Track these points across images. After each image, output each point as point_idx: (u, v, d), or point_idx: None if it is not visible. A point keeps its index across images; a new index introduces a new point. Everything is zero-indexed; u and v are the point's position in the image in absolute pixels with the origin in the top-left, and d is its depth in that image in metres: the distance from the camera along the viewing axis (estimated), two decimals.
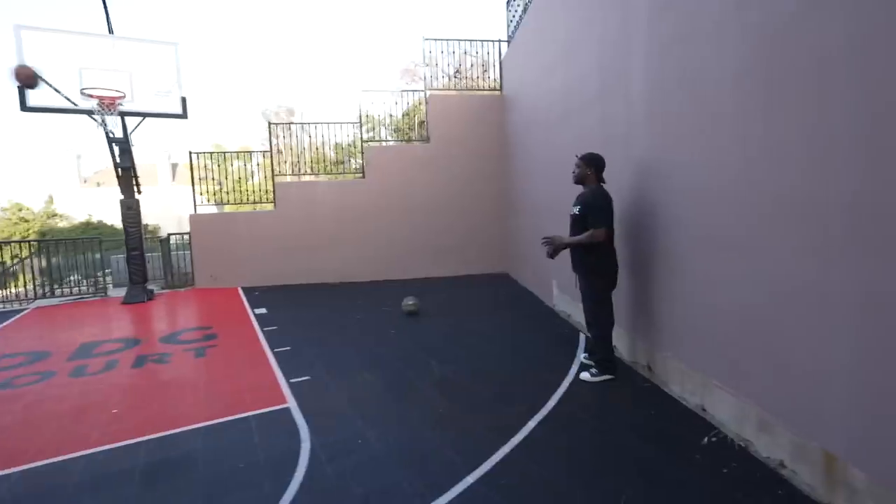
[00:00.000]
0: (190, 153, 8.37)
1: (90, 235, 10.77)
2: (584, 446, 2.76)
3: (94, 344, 5.22)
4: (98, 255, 8.40)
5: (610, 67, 4.10)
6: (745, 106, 2.52)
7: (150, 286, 8.04)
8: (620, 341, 4.10)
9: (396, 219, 8.75)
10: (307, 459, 2.71)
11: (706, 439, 2.69)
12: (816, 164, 2.09)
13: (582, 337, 4.73)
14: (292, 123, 8.58)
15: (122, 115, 6.78)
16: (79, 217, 29.25)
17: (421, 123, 9.10)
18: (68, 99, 6.38)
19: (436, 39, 8.80)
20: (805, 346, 2.20)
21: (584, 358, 3.98)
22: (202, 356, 4.72)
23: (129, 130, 7.15)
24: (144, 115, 6.97)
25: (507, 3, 8.87)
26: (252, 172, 10.50)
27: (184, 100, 7.00)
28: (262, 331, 5.56)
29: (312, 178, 9.28)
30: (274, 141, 8.52)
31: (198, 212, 8.51)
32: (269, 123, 8.43)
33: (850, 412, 1.99)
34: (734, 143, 2.60)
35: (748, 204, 2.52)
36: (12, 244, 9.62)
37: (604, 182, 3.64)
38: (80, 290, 8.26)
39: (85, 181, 33.58)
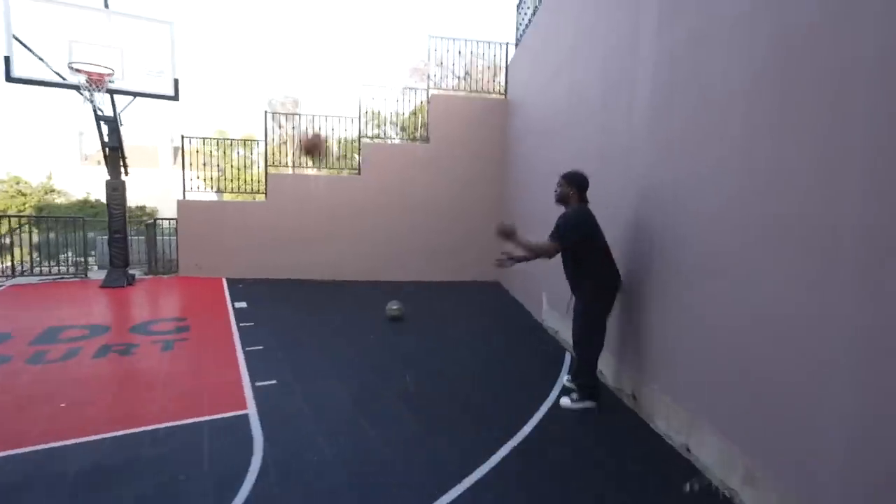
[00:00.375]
0: (182, 137, 8.17)
1: (74, 215, 10.53)
2: (554, 487, 2.54)
3: (61, 329, 5.01)
4: (82, 235, 8.17)
5: (613, 75, 3.90)
6: (753, 120, 2.31)
7: (131, 271, 7.83)
8: (606, 366, 3.89)
9: (391, 219, 8.54)
10: (255, 476, 2.49)
11: (688, 486, 2.48)
12: (825, 187, 1.88)
13: (568, 356, 4.52)
14: (290, 114, 8.36)
15: (111, 92, 6.57)
16: (77, 194, 29.01)
17: (424, 124, 8.89)
18: (57, 73, 6.18)
19: (442, 38, 8.60)
20: (799, 393, 1.99)
21: (567, 381, 3.78)
22: (170, 349, 4.51)
23: (118, 109, 6.94)
24: (134, 94, 6.77)
25: (518, 5, 8.68)
26: (253, 162, 10.31)
27: (176, 81, 6.79)
28: (238, 326, 5.36)
29: (311, 171, 9.07)
30: (278, 131, 8.35)
31: (188, 198, 8.31)
32: (266, 112, 8.22)
33: (848, 474, 1.78)
34: (738, 158, 2.40)
35: (744, 227, 2.32)
36: None
37: (586, 201, 3.42)
38: (59, 270, 8.04)
39: (86, 158, 33.32)
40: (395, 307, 5.93)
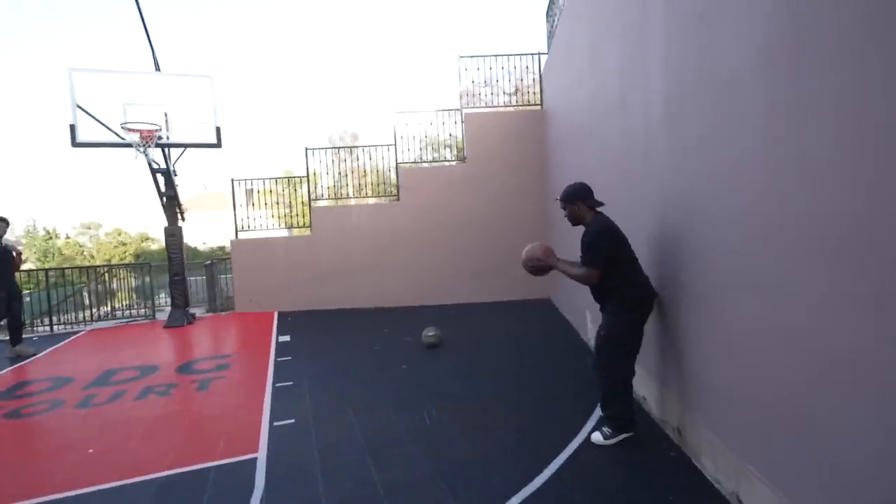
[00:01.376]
0: (232, 181, 8.63)
1: (141, 262, 11.42)
2: None
3: (115, 371, 5.31)
4: (148, 279, 8.82)
5: (629, 67, 3.52)
6: (773, 96, 1.89)
7: (193, 310, 8.29)
8: (649, 391, 3.41)
9: (433, 241, 8.43)
10: None
11: None
12: (862, 174, 1.44)
13: None
14: (327, 148, 8.58)
15: (162, 146, 7.08)
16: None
17: (460, 144, 8.77)
18: (116, 134, 6.75)
19: (472, 56, 8.48)
20: (856, 438, 1.52)
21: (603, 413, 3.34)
22: (205, 389, 4.60)
23: (171, 161, 7.47)
24: (182, 145, 7.25)
25: (547, 12, 8.41)
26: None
27: (218, 130, 7.19)
28: (275, 361, 5.40)
29: (353, 202, 9.22)
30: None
31: (243, 237, 8.73)
32: (306, 149, 8.51)
33: None
34: (760, 145, 1.97)
35: (777, 231, 1.87)
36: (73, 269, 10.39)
37: (600, 205, 3.03)
38: (131, 314, 8.71)
39: None
40: (430, 333, 5.73)
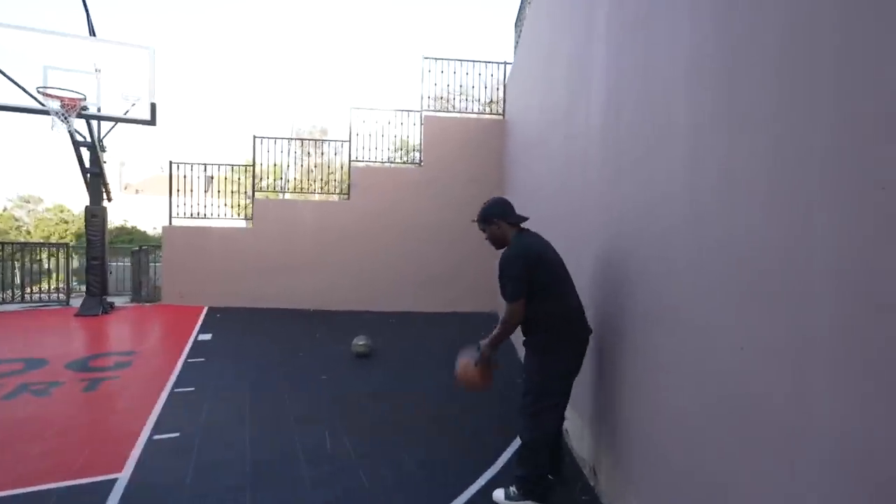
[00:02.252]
0: (171, 163, 8.04)
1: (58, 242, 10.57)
2: None
3: None
4: (65, 262, 8.09)
5: (575, 79, 3.31)
6: (696, 112, 1.67)
7: (113, 299, 7.63)
8: (571, 423, 3.17)
9: (381, 246, 8.06)
10: None
11: None
12: (787, 202, 1.22)
13: None
14: (277, 138, 8.12)
15: (87, 118, 6.47)
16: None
17: (416, 147, 8.49)
18: (35, 99, 6.11)
19: (436, 59, 8.23)
20: None
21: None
22: (93, 390, 4.08)
23: (98, 135, 6.84)
24: (110, 118, 6.66)
25: (516, 22, 8.27)
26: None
27: (153, 106, 6.65)
28: (185, 362, 4.91)
29: (296, 196, 8.75)
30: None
31: (174, 224, 8.13)
32: (254, 137, 8.02)
33: None
34: (684, 170, 1.74)
35: (693, 262, 1.64)
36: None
37: (523, 220, 2.63)
38: (41, 298, 7.93)
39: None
40: (360, 343, 5.37)
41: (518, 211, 2.69)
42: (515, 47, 8.04)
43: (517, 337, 2.89)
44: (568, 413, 3.15)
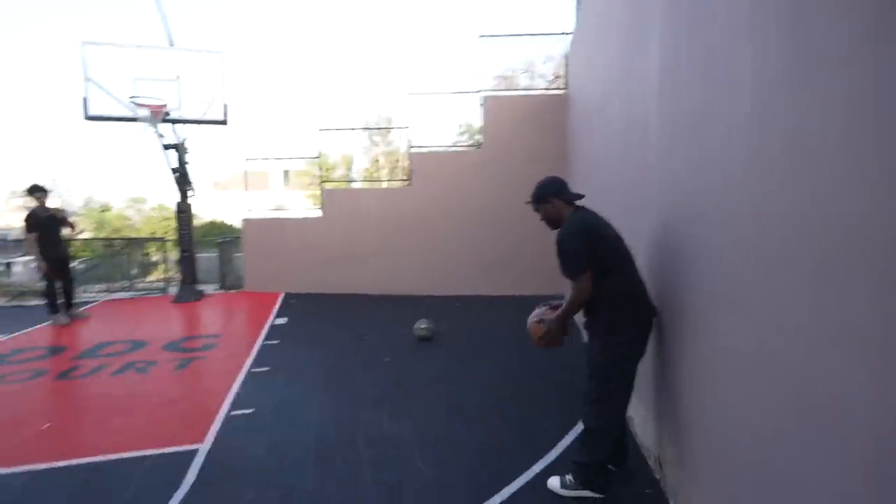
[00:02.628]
0: (246, 159, 8.59)
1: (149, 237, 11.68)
2: None
3: (107, 343, 5.32)
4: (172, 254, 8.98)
5: (633, 39, 3.06)
6: (765, 60, 1.46)
7: (201, 287, 8.35)
8: (636, 410, 3.01)
9: (442, 230, 8.11)
10: None
11: None
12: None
13: None
14: (341, 129, 8.36)
15: (171, 122, 7.05)
16: (207, 217, 33.20)
17: (476, 129, 8.38)
18: (127, 108, 6.76)
19: (493, 36, 8.02)
20: None
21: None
22: (182, 369, 4.51)
23: (181, 136, 7.45)
24: (190, 121, 7.20)
25: None
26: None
27: (225, 106, 7.10)
28: (262, 344, 5.27)
29: (365, 185, 9.02)
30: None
31: (252, 216, 8.70)
32: (320, 130, 8.32)
33: None
34: (746, 132, 1.54)
35: (763, 236, 1.45)
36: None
37: (579, 198, 2.49)
38: (145, 287, 8.88)
39: (214, 185, 37.99)
40: (423, 326, 5.46)
41: (579, 187, 2.57)
42: (576, 14, 7.63)
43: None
44: (632, 400, 3.00)
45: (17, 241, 13.54)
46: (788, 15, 1.33)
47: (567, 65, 7.89)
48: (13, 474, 2.71)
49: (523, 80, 8.73)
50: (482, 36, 7.98)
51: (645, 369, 2.74)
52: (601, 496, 2.38)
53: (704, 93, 1.89)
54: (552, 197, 2.48)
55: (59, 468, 2.77)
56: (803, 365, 1.26)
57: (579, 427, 3.12)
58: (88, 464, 2.81)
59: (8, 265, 12.08)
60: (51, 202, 6.31)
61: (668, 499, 2.39)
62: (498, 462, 2.79)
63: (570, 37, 7.68)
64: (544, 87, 8.68)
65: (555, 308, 2.56)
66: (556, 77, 8.51)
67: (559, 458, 2.81)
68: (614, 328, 2.33)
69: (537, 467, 2.71)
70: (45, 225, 5.97)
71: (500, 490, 2.51)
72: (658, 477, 2.56)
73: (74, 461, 2.84)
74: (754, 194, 1.51)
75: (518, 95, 8.27)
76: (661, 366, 2.50)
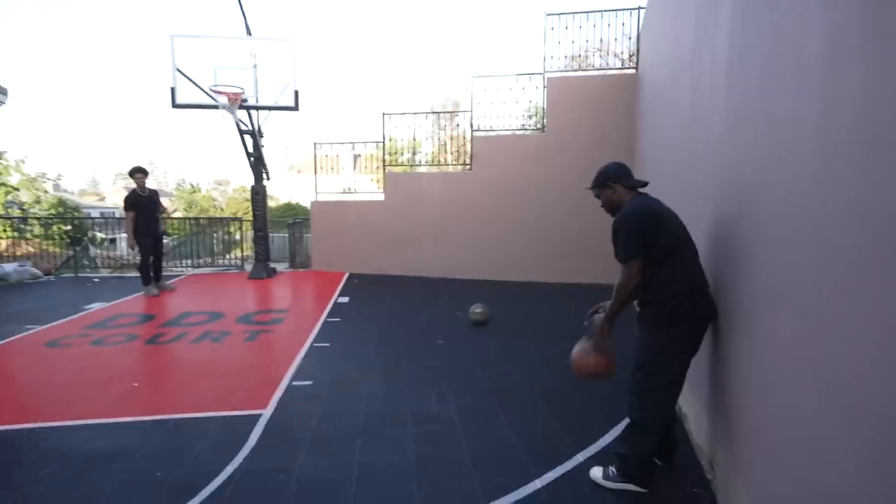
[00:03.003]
0: (315, 144, 8.96)
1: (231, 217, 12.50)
2: None
3: (190, 314, 5.86)
4: (249, 233, 9.68)
5: (702, 20, 2.83)
6: (838, 39, 1.31)
7: (273, 265, 8.91)
8: (690, 408, 2.88)
9: (503, 215, 8.05)
10: (208, 492, 2.39)
11: None
12: None
13: None
14: (405, 114, 8.49)
15: (247, 108, 7.50)
16: (283, 199, 35.17)
17: (539, 112, 8.18)
18: (210, 96, 7.28)
19: (560, 14, 7.72)
20: None
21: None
22: (252, 340, 4.88)
23: (256, 122, 7.91)
24: (264, 107, 7.62)
25: None
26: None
27: (296, 93, 7.42)
28: (324, 321, 5.56)
29: (430, 169, 9.12)
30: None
31: (319, 199, 9.11)
32: (384, 114, 8.50)
33: None
34: (814, 116, 1.39)
35: (819, 229, 1.31)
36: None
37: (642, 185, 2.38)
38: (224, 263, 9.62)
39: (290, 168, 40.04)
40: (478, 310, 5.50)
41: (645, 174, 2.46)
42: None
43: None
44: (687, 395, 2.88)
45: (122, 219, 15.16)
46: None
47: (638, 43, 7.45)
48: (106, 425, 3.09)
49: (596, 60, 8.33)
50: (549, 14, 7.71)
51: (702, 365, 2.61)
52: (644, 491, 2.31)
53: (772, 77, 1.73)
54: (613, 182, 2.39)
55: (144, 422, 3.13)
56: (861, 371, 1.15)
57: (627, 420, 3.06)
58: (168, 420, 3.14)
59: (113, 240, 13.54)
60: (149, 183, 6.97)
61: (717, 500, 2.28)
62: (541, 448, 2.79)
63: (644, 12, 7.23)
64: (619, 66, 8.25)
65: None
66: (631, 56, 8.07)
67: (604, 449, 2.76)
68: (667, 322, 2.22)
69: (581, 456, 2.68)
70: (143, 205, 6.64)
71: (542, 475, 2.51)
72: (710, 477, 2.44)
73: (156, 417, 3.19)
74: (819, 182, 1.37)
75: (584, 76, 7.94)
76: (718, 363, 2.36)
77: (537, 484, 2.45)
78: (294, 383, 3.74)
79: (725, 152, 2.29)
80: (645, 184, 2.43)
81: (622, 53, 8.56)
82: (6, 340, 4.80)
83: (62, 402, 3.41)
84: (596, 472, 2.45)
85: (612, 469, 2.40)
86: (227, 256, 10.18)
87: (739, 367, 2.02)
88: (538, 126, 8.12)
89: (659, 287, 2.22)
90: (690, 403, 2.87)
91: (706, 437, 2.55)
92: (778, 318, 1.65)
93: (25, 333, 5.02)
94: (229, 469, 2.57)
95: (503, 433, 2.98)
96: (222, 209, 35.42)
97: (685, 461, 2.59)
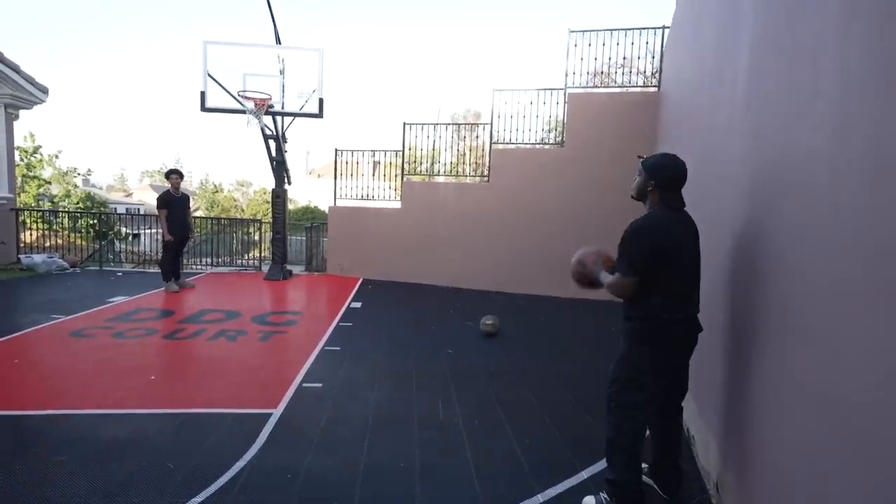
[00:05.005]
0: (336, 150, 9.13)
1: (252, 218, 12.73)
2: None
3: (207, 311, 5.99)
4: (267, 234, 9.87)
5: (723, 30, 2.86)
6: (849, 67, 1.33)
7: (290, 267, 9.05)
8: (697, 430, 2.86)
9: (518, 228, 8.08)
10: (217, 486, 2.45)
11: None
12: None
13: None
14: (425, 124, 8.60)
15: (272, 114, 7.69)
16: (302, 202, 35.69)
17: (558, 127, 8.21)
18: (238, 101, 7.49)
19: (584, 31, 7.78)
20: None
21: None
22: (265, 341, 4.97)
23: (281, 128, 8.10)
24: (289, 114, 7.81)
25: None
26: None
27: (321, 101, 7.59)
28: (336, 325, 5.64)
29: (448, 179, 9.20)
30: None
31: (338, 204, 9.25)
32: (404, 124, 8.63)
33: None
34: (827, 144, 1.41)
35: (831, 255, 1.33)
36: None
37: (675, 206, 2.24)
38: (242, 264, 9.81)
39: (310, 172, 40.65)
40: (489, 322, 5.52)
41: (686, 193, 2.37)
42: (675, 9, 7.17)
43: None
44: (695, 418, 2.87)
45: (145, 216, 15.56)
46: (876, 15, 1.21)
47: (661, 62, 7.46)
48: (124, 415, 3.19)
49: (619, 77, 8.39)
50: (572, 31, 7.78)
51: (713, 386, 2.60)
52: None
53: (788, 102, 1.75)
54: (656, 179, 2.25)
55: (159, 414, 3.22)
56: (872, 409, 1.16)
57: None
58: (182, 414, 3.23)
59: (136, 235, 13.90)
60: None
61: None
62: (545, 462, 2.79)
63: (668, 31, 7.24)
64: (642, 84, 8.30)
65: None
66: (654, 74, 8.11)
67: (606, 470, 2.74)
68: (647, 341, 2.21)
69: (585, 473, 2.68)
70: (175, 204, 6.86)
71: (545, 490, 2.52)
72: (715, 503, 2.42)
73: (171, 410, 3.28)
74: (838, 206, 1.39)
75: (606, 93, 7.98)
76: (728, 383, 2.35)
77: (539, 499, 2.45)
78: (304, 385, 3.81)
79: (742, 176, 2.30)
80: (681, 206, 2.29)
81: (645, 71, 8.61)
82: (34, 328, 4.98)
83: (84, 391, 3.53)
84: (589, 501, 2.38)
85: (603, 496, 2.34)
86: (245, 257, 10.41)
87: (752, 394, 2.02)
88: (557, 140, 8.15)
89: (647, 306, 2.19)
90: (698, 426, 2.85)
91: (713, 462, 2.53)
92: (788, 347, 1.65)
93: (51, 322, 5.20)
94: (240, 464, 2.63)
95: (508, 445, 2.99)
96: (243, 210, 36.04)
97: (692, 485, 2.57)
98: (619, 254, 2.26)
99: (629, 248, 2.20)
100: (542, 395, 3.83)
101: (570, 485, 2.57)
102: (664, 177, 2.25)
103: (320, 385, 3.82)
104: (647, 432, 2.35)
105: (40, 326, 5.06)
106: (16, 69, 8.35)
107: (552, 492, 2.51)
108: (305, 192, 37.12)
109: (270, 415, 3.26)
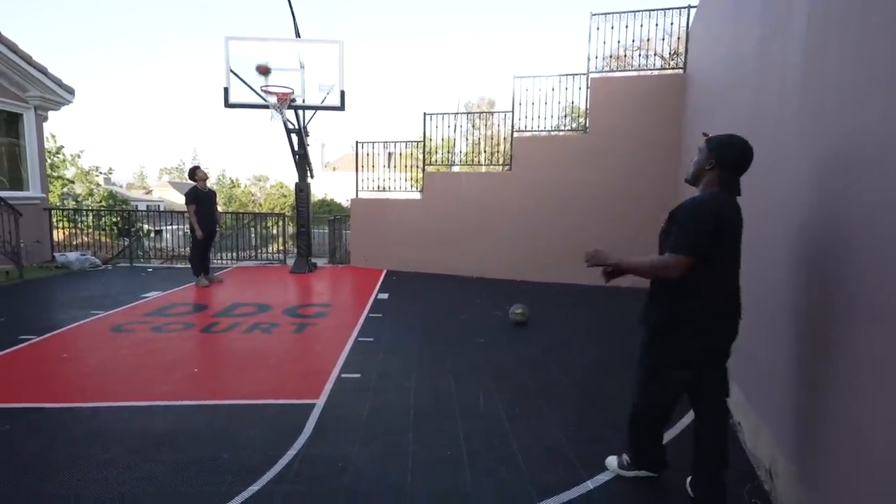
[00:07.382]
0: (356, 142, 9.14)
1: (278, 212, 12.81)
2: None
3: (239, 305, 6.10)
4: (288, 228, 9.96)
5: (770, 14, 2.77)
6: None
7: (314, 260, 9.14)
8: (746, 417, 2.83)
9: (542, 217, 8.03)
10: (272, 475, 2.50)
11: None
12: None
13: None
14: (446, 114, 8.56)
15: (295, 108, 7.72)
16: (319, 195, 35.92)
17: (581, 113, 8.10)
18: (261, 96, 7.53)
19: (606, 13, 7.63)
20: None
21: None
22: (300, 332, 5.05)
23: (303, 122, 8.13)
24: (311, 107, 7.83)
25: None
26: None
27: (342, 93, 7.59)
28: (367, 316, 5.70)
29: (465, 168, 9.18)
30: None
31: (359, 196, 9.29)
32: (424, 114, 8.59)
33: None
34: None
35: None
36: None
37: (733, 190, 2.08)
38: (266, 257, 9.93)
39: (325, 165, 40.83)
40: (518, 311, 5.52)
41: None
42: None
43: None
44: (743, 405, 2.84)
45: (166, 212, 15.81)
46: None
47: (687, 43, 7.28)
48: (170, 406, 3.27)
49: (637, 60, 8.24)
50: (594, 14, 7.63)
51: (761, 376, 2.57)
52: (655, 475, 2.45)
53: (859, 78, 1.69)
54: (718, 160, 2.07)
55: (205, 406, 3.29)
56: None
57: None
58: (227, 405, 3.30)
59: (159, 231, 14.15)
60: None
61: None
62: (590, 449, 2.79)
63: (693, 11, 7.06)
64: (660, 66, 8.13)
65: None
66: (674, 55, 7.94)
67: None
68: (673, 333, 2.12)
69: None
70: (203, 200, 6.96)
71: (594, 476, 2.53)
72: (768, 489, 2.40)
73: (217, 402, 3.35)
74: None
75: (628, 77, 7.83)
76: (792, 375, 2.32)
77: (589, 485, 2.46)
78: (343, 375, 3.86)
79: (802, 157, 2.24)
80: (737, 194, 2.11)
81: (664, 52, 8.42)
82: (76, 324, 5.12)
83: (131, 384, 3.63)
84: (611, 461, 2.58)
85: (625, 457, 2.51)
86: (266, 250, 10.51)
87: (815, 379, 1.98)
88: (580, 127, 8.05)
89: (690, 290, 2.03)
90: (746, 413, 2.82)
91: (765, 448, 2.51)
92: (859, 329, 1.62)
93: (91, 318, 5.34)
94: (290, 453, 2.69)
95: (551, 433, 3.00)
96: (260, 205, 36.41)
97: (740, 473, 2.55)
98: (678, 227, 2.04)
99: (689, 224, 2.00)
100: (579, 381, 3.83)
101: (612, 474, 2.57)
102: (728, 156, 2.06)
103: (359, 376, 3.86)
104: (694, 426, 2.32)
105: (82, 322, 5.20)
106: (44, 71, 8.50)
107: (602, 478, 2.51)
108: (322, 186, 37.30)
109: (314, 405, 3.31)
